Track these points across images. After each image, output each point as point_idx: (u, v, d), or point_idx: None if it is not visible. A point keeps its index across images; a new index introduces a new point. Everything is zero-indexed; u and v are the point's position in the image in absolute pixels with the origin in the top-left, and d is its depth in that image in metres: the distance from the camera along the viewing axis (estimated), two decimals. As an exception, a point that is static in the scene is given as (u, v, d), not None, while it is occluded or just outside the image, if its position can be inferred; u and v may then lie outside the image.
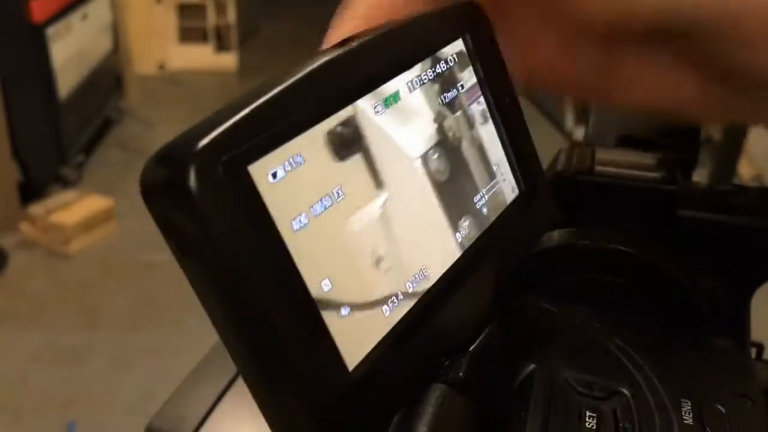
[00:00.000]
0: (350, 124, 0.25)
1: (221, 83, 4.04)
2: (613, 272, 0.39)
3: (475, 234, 0.29)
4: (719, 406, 0.31)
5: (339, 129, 0.24)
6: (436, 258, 0.28)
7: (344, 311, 0.23)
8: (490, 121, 0.31)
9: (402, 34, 0.28)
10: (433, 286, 0.27)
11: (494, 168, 0.31)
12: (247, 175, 0.20)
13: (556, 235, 0.41)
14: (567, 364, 0.33)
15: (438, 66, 0.29)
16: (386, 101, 0.26)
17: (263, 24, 5.01)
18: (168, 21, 4.00)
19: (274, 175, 0.21)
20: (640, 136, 0.47)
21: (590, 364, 0.33)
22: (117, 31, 3.27)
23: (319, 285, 0.22)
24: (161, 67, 4.02)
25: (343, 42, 0.26)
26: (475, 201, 0.30)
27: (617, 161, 0.44)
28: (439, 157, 0.29)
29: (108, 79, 3.18)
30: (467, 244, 0.29)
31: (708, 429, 0.30)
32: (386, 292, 0.25)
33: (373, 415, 0.24)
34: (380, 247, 0.25)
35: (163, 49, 4.01)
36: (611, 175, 0.42)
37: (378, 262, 0.25)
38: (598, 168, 0.43)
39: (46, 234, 2.31)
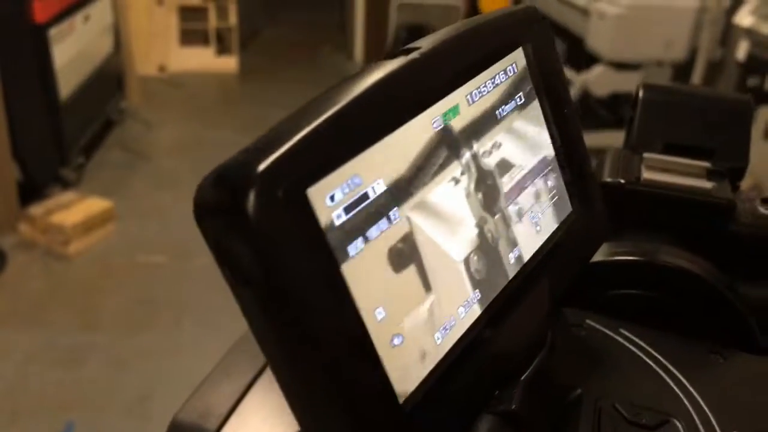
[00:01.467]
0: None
1: (222, 85, 4.04)
2: (663, 289, 0.37)
3: (527, 254, 0.29)
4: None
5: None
6: (487, 281, 0.27)
7: (396, 341, 0.22)
8: (547, 135, 0.30)
9: (462, 43, 0.27)
10: (486, 310, 0.26)
11: (549, 184, 0.30)
12: (306, 199, 0.20)
13: (601, 249, 0.37)
14: (615, 389, 0.31)
15: (497, 77, 0.28)
16: (445, 116, 0.25)
17: (264, 27, 5.02)
18: (169, 23, 4.01)
19: (332, 198, 0.20)
20: (687, 143, 0.44)
21: (639, 390, 0.32)
22: (118, 32, 3.28)
23: (373, 313, 0.21)
24: (162, 68, 4.03)
25: (405, 51, 0.25)
26: (530, 218, 0.29)
27: (666, 168, 0.41)
28: (492, 173, 0.28)
29: (109, 80, 3.19)
30: (518, 266, 0.28)
31: None
32: (439, 319, 0.24)
33: None
34: (434, 271, 0.24)
35: (164, 51, 4.01)
36: (660, 185, 0.40)
37: (430, 288, 0.24)
38: (646, 176, 0.40)
39: (46, 235, 2.31)
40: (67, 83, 2.59)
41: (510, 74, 0.29)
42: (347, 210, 0.21)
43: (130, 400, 1.73)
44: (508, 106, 0.29)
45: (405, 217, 0.24)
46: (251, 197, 0.18)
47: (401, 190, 0.23)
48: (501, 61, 0.28)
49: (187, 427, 0.32)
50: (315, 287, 0.20)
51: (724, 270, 0.38)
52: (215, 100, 3.86)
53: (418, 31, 4.17)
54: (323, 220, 0.20)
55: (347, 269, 0.21)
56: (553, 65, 0.31)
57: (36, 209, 2.36)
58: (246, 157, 0.19)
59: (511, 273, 0.28)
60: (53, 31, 2.45)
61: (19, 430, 1.66)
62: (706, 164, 0.42)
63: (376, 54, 4.37)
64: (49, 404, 1.71)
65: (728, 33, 2.76)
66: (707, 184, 0.41)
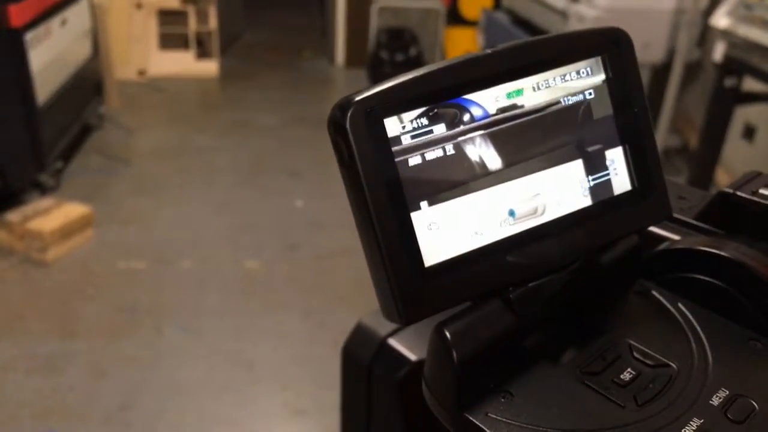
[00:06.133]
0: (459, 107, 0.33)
1: (202, 89, 4.02)
2: (735, 283, 0.40)
3: (572, 208, 0.37)
4: (754, 402, 0.32)
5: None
6: (527, 214, 0.35)
7: (434, 227, 0.33)
8: (615, 127, 0.38)
9: (533, 46, 0.36)
10: (514, 235, 0.35)
11: (608, 163, 0.38)
12: (382, 123, 0.31)
13: (693, 240, 0.43)
14: (638, 334, 0.37)
15: (569, 75, 0.36)
16: (509, 94, 0.34)
17: (244, 31, 5.00)
18: (148, 27, 3.98)
19: (403, 127, 0.32)
20: None
21: (659, 340, 0.37)
22: (97, 36, 3.24)
23: (418, 204, 0.32)
24: (142, 73, 4.00)
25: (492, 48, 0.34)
26: (582, 183, 0.37)
27: None
28: (543, 142, 0.35)
29: (88, 84, 3.15)
30: (561, 213, 0.36)
31: (729, 415, 0.32)
32: (473, 225, 0.34)
33: (439, 299, 0.33)
34: (477, 194, 0.34)
35: (143, 55, 3.98)
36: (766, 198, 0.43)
37: (470, 201, 0.34)
38: (763, 191, 0.44)
39: (23, 241, 2.28)
40: (44, 88, 2.56)
41: (582, 75, 0.36)
42: (414, 137, 0.32)
43: (110, 408, 1.71)
44: (574, 98, 0.36)
45: (459, 150, 0.33)
46: (348, 115, 0.31)
47: (459, 134, 0.33)
48: (574, 64, 0.36)
49: (367, 328, 0.44)
50: (378, 176, 0.31)
51: None
52: (195, 104, 3.84)
53: (398, 35, 4.18)
54: (393, 138, 0.32)
55: (404, 173, 0.32)
56: (630, 74, 0.37)
57: (13, 215, 2.32)
58: (355, 93, 0.31)
59: (551, 216, 0.36)
60: (29, 36, 2.42)
61: (-3, 441, 1.63)
62: None
63: (357, 58, 4.37)
64: (28, 413, 1.68)
65: (705, 34, 2.79)
66: None
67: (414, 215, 0.32)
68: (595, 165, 0.37)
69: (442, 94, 0.33)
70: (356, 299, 2.16)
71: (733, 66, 2.19)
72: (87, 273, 2.24)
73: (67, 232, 2.31)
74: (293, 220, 2.62)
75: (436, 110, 0.33)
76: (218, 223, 2.58)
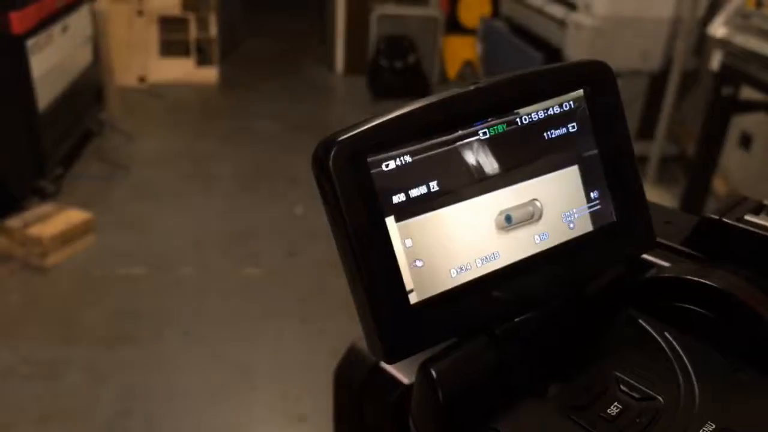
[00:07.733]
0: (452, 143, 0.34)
1: (202, 96, 4.03)
2: (716, 311, 0.40)
3: (555, 241, 0.36)
4: None
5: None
6: (511, 249, 0.35)
7: (418, 263, 0.33)
8: (599, 160, 0.37)
9: (515, 81, 0.36)
10: (501, 268, 0.35)
11: (592, 195, 0.38)
12: (366, 163, 0.31)
13: (681, 268, 0.42)
14: (625, 366, 0.37)
15: (552, 109, 0.36)
16: (491, 129, 0.34)
17: (244, 38, 5.02)
18: (149, 34, 4.00)
19: (387, 165, 0.32)
20: None
21: (646, 371, 0.37)
22: (98, 43, 3.26)
23: (402, 241, 0.32)
24: (142, 79, 4.01)
25: (474, 83, 0.35)
26: (564, 216, 0.37)
27: None
28: (525, 174, 0.35)
29: (88, 91, 3.16)
30: (544, 247, 0.36)
31: None
32: (458, 261, 0.34)
33: (424, 336, 0.33)
34: (459, 229, 0.34)
35: (144, 62, 4.00)
36: (754, 225, 0.43)
37: (454, 237, 0.34)
38: (748, 218, 0.44)
39: (23, 247, 2.28)
40: (45, 94, 2.57)
41: (565, 108, 0.36)
42: (397, 173, 0.32)
43: (111, 414, 1.71)
44: (558, 131, 0.36)
45: (444, 188, 0.33)
46: (331, 154, 0.30)
47: (442, 170, 0.33)
48: (557, 97, 0.36)
49: (359, 351, 0.43)
50: (362, 215, 0.31)
51: None
52: (195, 111, 3.85)
53: (397, 42, 4.19)
54: (376, 176, 0.31)
55: (389, 211, 0.32)
56: (613, 106, 0.37)
57: (13, 221, 2.33)
58: (338, 132, 0.31)
59: (533, 250, 0.35)
60: (31, 42, 2.43)
61: (-4, 446, 1.63)
62: None
63: (356, 65, 4.38)
64: (27, 419, 1.69)
65: (702, 43, 2.81)
66: None
67: (399, 253, 0.32)
68: (581, 198, 0.37)
69: (426, 131, 0.33)
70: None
71: (730, 75, 2.20)
72: (87, 279, 2.24)
73: (67, 237, 2.32)
74: (293, 226, 2.63)
75: (418, 146, 0.33)
76: (218, 230, 2.59)
